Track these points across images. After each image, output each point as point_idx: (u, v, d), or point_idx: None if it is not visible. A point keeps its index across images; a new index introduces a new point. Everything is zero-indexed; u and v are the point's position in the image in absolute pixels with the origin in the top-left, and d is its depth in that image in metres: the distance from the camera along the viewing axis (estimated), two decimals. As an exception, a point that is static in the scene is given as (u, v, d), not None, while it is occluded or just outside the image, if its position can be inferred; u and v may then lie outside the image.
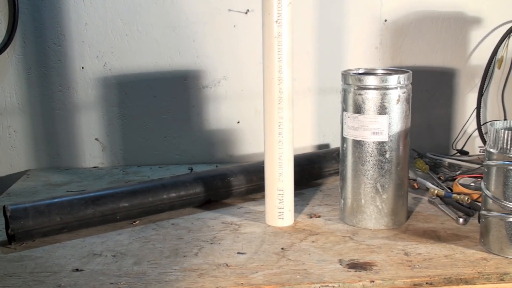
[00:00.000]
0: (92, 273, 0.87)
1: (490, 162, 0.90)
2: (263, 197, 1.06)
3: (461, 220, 1.04)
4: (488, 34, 1.45)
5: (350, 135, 1.01)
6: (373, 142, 0.99)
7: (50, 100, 1.42)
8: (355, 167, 1.02)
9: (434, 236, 0.99)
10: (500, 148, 0.88)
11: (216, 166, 1.42)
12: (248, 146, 1.48)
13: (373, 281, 0.84)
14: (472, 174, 1.26)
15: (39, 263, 0.91)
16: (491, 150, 0.90)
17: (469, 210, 1.07)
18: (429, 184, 1.22)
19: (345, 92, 1.02)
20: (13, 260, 0.93)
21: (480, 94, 1.43)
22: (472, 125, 1.49)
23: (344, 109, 1.02)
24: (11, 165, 1.45)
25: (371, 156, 1.00)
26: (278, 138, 1.01)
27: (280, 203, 1.04)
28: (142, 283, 0.84)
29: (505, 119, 1.45)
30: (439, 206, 1.11)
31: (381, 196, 1.01)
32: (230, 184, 1.15)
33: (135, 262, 0.91)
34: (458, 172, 1.32)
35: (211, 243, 0.98)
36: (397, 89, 0.98)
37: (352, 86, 1.00)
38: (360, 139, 1.00)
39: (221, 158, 1.48)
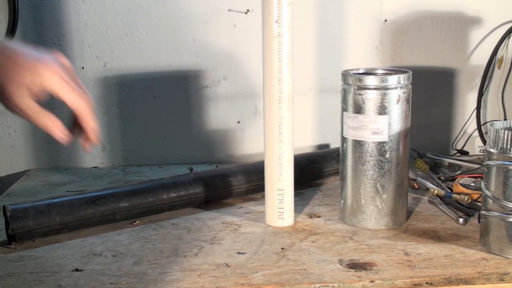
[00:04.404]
0: (92, 273, 0.87)
1: (490, 162, 0.90)
2: (263, 197, 1.06)
3: (461, 220, 1.04)
4: (488, 34, 1.45)
5: (350, 135, 1.01)
6: (373, 142, 0.99)
7: (50, 100, 1.41)
8: (355, 167, 1.02)
9: (434, 236, 0.99)
10: (500, 148, 0.88)
11: (216, 166, 1.42)
12: (248, 146, 1.48)
13: (373, 281, 0.84)
14: (472, 174, 1.26)
15: (39, 263, 0.91)
16: (491, 150, 0.89)
17: (469, 210, 1.07)
18: (429, 184, 1.22)
19: (345, 92, 1.02)
20: (13, 260, 0.93)
21: (480, 94, 1.43)
22: (472, 125, 1.49)
23: (344, 109, 1.02)
24: (11, 165, 1.45)
25: (371, 156, 1.00)
26: (278, 138, 1.01)
27: (280, 203, 1.03)
28: (142, 283, 0.84)
29: (505, 119, 1.44)
30: (439, 206, 1.11)
31: (381, 196, 1.01)
32: (230, 184, 1.15)
33: (135, 262, 0.91)
34: (458, 172, 1.32)
35: (211, 243, 0.98)
36: (397, 89, 0.98)
37: (352, 86, 1.00)
38: (360, 139, 1.00)
39: (221, 158, 1.48)
